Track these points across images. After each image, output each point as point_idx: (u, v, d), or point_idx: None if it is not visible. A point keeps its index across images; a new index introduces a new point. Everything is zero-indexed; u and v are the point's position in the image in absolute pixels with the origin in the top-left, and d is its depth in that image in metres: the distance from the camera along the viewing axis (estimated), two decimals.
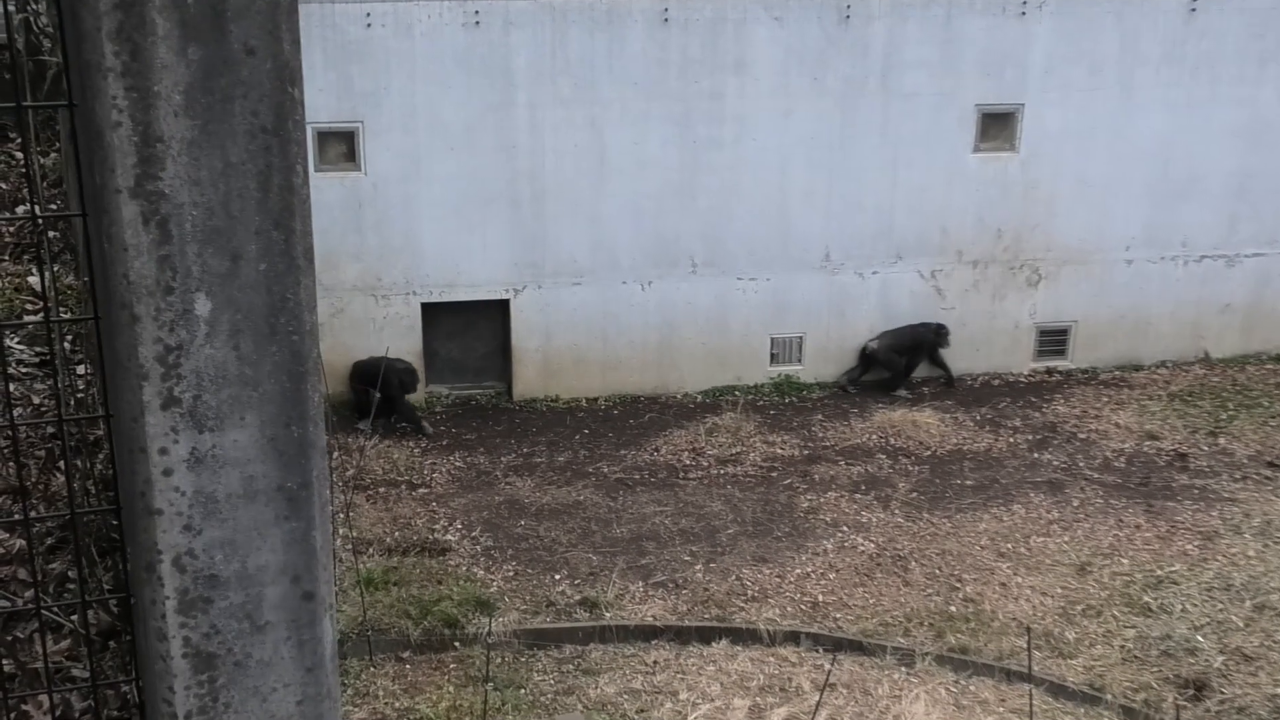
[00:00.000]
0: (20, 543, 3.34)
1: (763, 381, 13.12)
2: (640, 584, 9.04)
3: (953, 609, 8.74)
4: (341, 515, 9.09)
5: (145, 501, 1.51)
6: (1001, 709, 7.77)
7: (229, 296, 1.45)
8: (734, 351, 13.02)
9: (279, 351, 1.50)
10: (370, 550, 9.30)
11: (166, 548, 1.53)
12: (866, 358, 13.04)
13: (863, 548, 9.55)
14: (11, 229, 6.22)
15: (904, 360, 12.95)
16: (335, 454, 10.78)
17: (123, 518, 1.65)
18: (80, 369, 4.71)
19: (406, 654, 8.24)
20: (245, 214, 1.44)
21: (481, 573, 9.16)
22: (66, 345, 4.91)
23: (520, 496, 10.45)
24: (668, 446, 11.51)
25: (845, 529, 9.85)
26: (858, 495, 10.46)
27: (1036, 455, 11.35)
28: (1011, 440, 11.69)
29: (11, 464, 3.70)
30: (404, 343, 12.15)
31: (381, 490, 10.49)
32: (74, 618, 3.12)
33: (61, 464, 3.63)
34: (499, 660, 8.10)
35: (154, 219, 1.43)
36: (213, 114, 1.43)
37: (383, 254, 12.09)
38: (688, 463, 11.17)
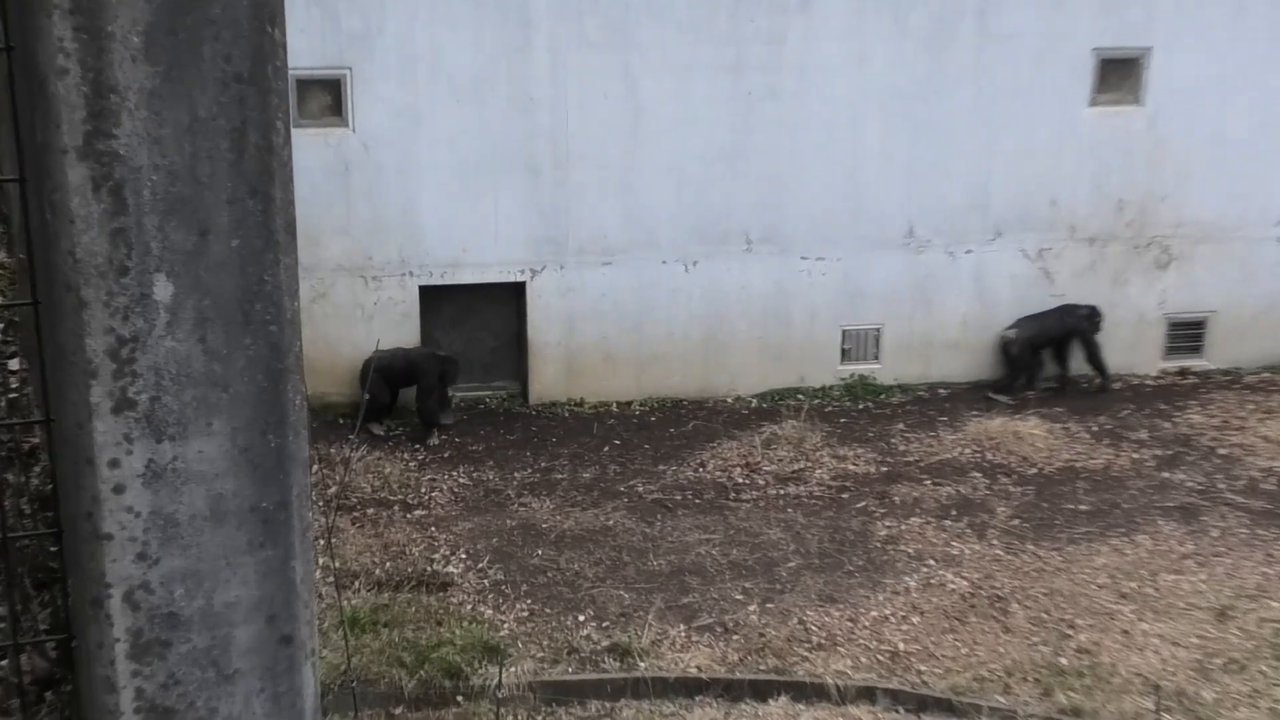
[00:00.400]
0: None
1: (831, 383, 13.12)
2: (682, 627, 9.03)
3: (1063, 661, 8.66)
4: (321, 541, 9.15)
5: (92, 524, 1.50)
6: None
7: (195, 278, 1.45)
8: (796, 346, 13.03)
9: (254, 345, 1.49)
10: (356, 584, 9.35)
11: (117, 580, 1.51)
12: (1006, 352, 13.01)
13: (953, 585, 9.49)
14: None
15: (1039, 354, 12.91)
16: (315, 467, 10.86)
17: (64, 543, 1.67)
18: (13, 363, 4.75)
19: (399, 710, 8.26)
20: (216, 180, 1.44)
21: (490, 612, 9.19)
22: None
23: (537, 520, 10.48)
24: (716, 461, 11.50)
25: (931, 563, 9.79)
26: (947, 522, 10.40)
27: (1166, 474, 11.22)
28: (1135, 456, 11.57)
29: None
30: (398, 333, 12.23)
31: (370, 511, 10.55)
32: (3, 663, 3.14)
33: None
34: (511, 719, 8.11)
35: (106, 185, 1.42)
36: (177, 59, 1.42)
37: (374, 227, 12.18)
38: (740, 481, 11.16)
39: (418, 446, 11.80)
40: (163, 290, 1.45)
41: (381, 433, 11.84)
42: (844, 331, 13.11)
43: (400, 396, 12.19)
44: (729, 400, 12.90)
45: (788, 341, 13.00)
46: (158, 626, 1.55)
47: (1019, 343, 12.89)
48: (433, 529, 10.35)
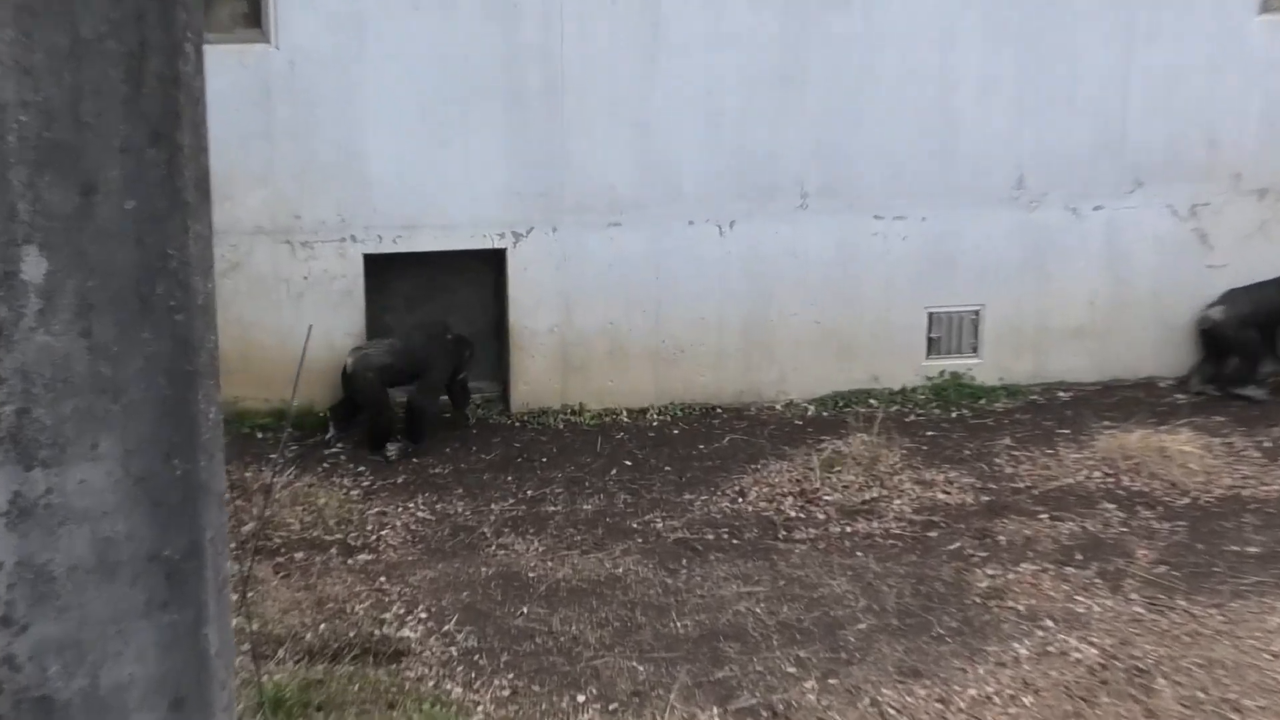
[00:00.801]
0: None
1: (914, 383, 13.13)
2: (715, 710, 9.00)
3: None
4: (235, 596, 9.17)
5: None
6: None
7: (77, 252, 1.46)
8: (867, 335, 13.03)
9: (155, 339, 1.53)
10: (280, 653, 9.32)
11: None
12: (1209, 337, 13.07)
13: (1078, 654, 9.43)
14: None
15: (1259, 335, 13.02)
16: (225, 495, 10.86)
17: None
18: None
19: None
20: (105, 121, 1.45)
21: (459, 691, 9.15)
22: None
23: (522, 567, 10.44)
24: (760, 488, 11.48)
25: (1049, 624, 9.73)
26: (1069, 569, 10.35)
27: None
28: None
29: None
30: (335, 318, 12.28)
31: (299, 556, 10.52)
32: None
33: None
34: None
35: None
36: None
37: (304, 176, 12.19)
38: (792, 514, 11.11)
39: (362, 469, 11.77)
40: (33, 267, 1.47)
41: (395, 455, 12.03)
42: (931, 315, 13.11)
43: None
44: (777, 407, 12.90)
45: (856, 328, 13.00)
46: (26, 713, 1.53)
47: (1230, 323, 12.87)
48: (382, 579, 10.31)
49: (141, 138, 1.52)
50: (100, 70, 1.42)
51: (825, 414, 12.75)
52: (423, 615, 9.89)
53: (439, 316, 12.84)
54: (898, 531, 10.91)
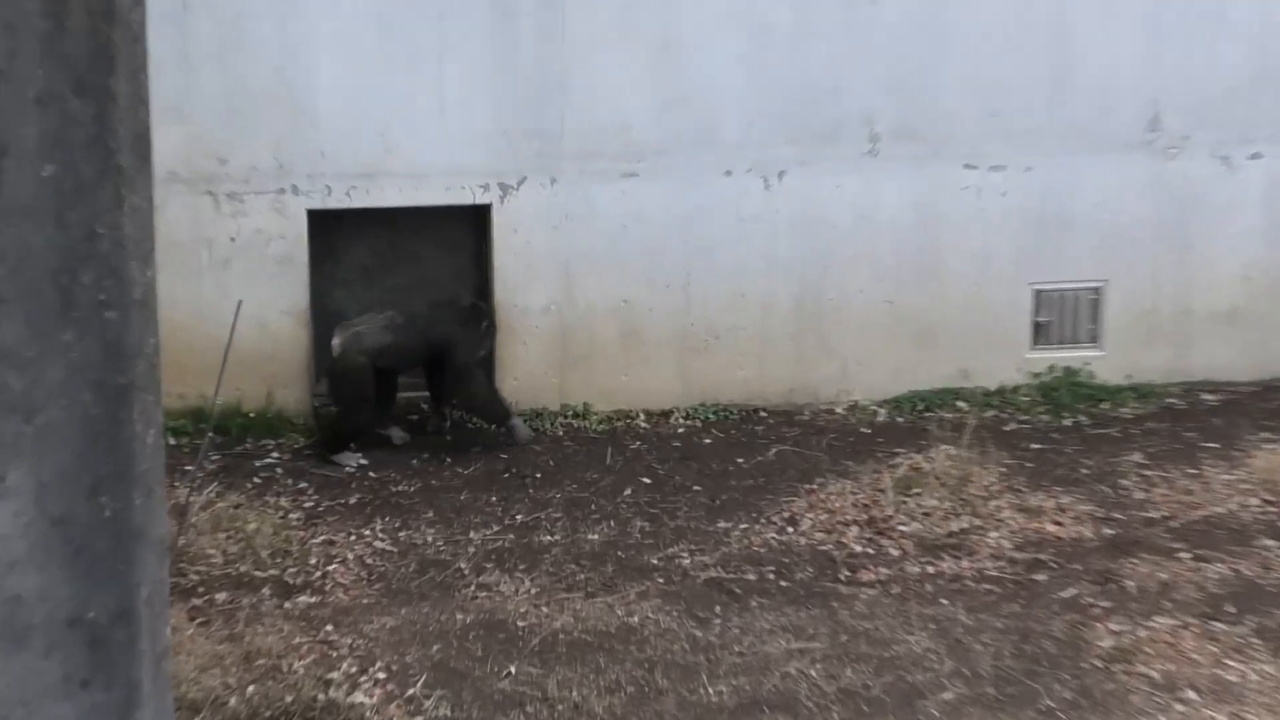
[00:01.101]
0: None
1: (1015, 381, 13.18)
2: None
3: None
4: None
5: None
6: None
7: None
8: (954, 318, 13.11)
9: (79, 343, 1.53)
10: None
11: None
12: None
13: None
14: None
15: None
16: (167, 543, 10.88)
17: None
18: None
19: None
20: (18, 66, 1.45)
21: None
22: None
23: (509, 614, 10.40)
24: (816, 515, 11.46)
25: (1191, 696, 9.71)
26: (1218, 624, 10.32)
27: None
28: None
29: None
30: (271, 291, 12.38)
31: (221, 597, 10.49)
32: None
33: None
34: None
35: None
36: None
37: (230, 109, 12.24)
38: (857, 549, 11.07)
39: (304, 485, 11.79)
40: None
41: (400, 442, 12.50)
42: (1037, 293, 13.15)
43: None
44: (838, 410, 12.96)
45: (940, 310, 13.07)
46: None
47: None
48: (329, 628, 10.27)
49: (64, 86, 1.53)
50: (10, 1, 1.42)
51: (899, 420, 12.77)
52: (381, 675, 9.88)
53: (403, 290, 12.90)
54: (994, 573, 10.86)
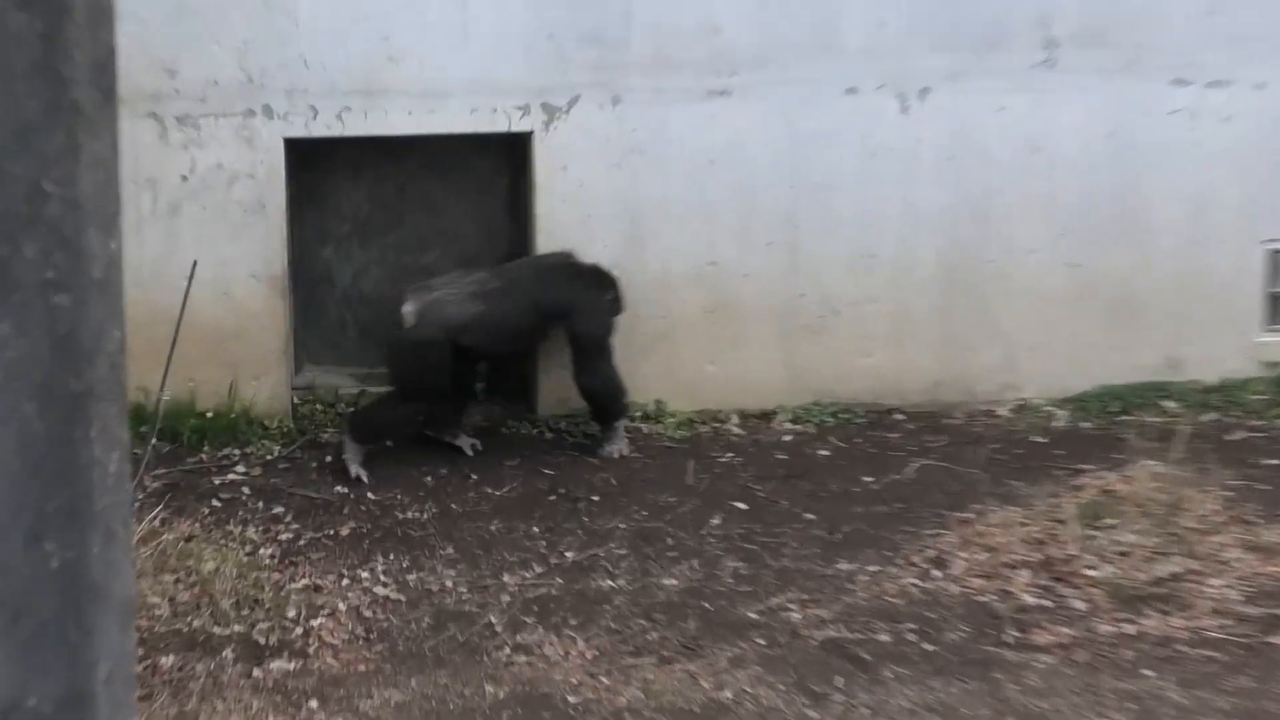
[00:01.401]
0: None
1: (1244, 372, 13.15)
2: None
3: None
4: None
5: None
6: None
7: None
8: (1159, 287, 13.08)
9: (18, 337, 1.58)
10: None
11: None
12: None
13: None
14: None
15: None
16: (136, 603, 10.80)
17: None
18: None
19: None
20: None
21: None
22: None
23: (555, 685, 10.35)
24: (972, 553, 11.40)
25: None
26: None
27: None
28: None
29: None
30: (235, 247, 12.39)
31: (167, 662, 10.48)
32: None
33: None
34: None
35: None
36: None
37: (181, 3, 12.23)
38: (1028, 599, 11.00)
39: (279, 510, 11.59)
40: None
41: (472, 452, 12.52)
42: (1273, 254, 13.05)
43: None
44: (1002, 411, 12.96)
45: (1140, 276, 13.00)
46: None
47: None
48: (313, 704, 10.24)
49: None
50: None
51: (1085, 425, 12.73)
52: None
53: (412, 244, 12.96)
54: (1217, 635, 10.72)
